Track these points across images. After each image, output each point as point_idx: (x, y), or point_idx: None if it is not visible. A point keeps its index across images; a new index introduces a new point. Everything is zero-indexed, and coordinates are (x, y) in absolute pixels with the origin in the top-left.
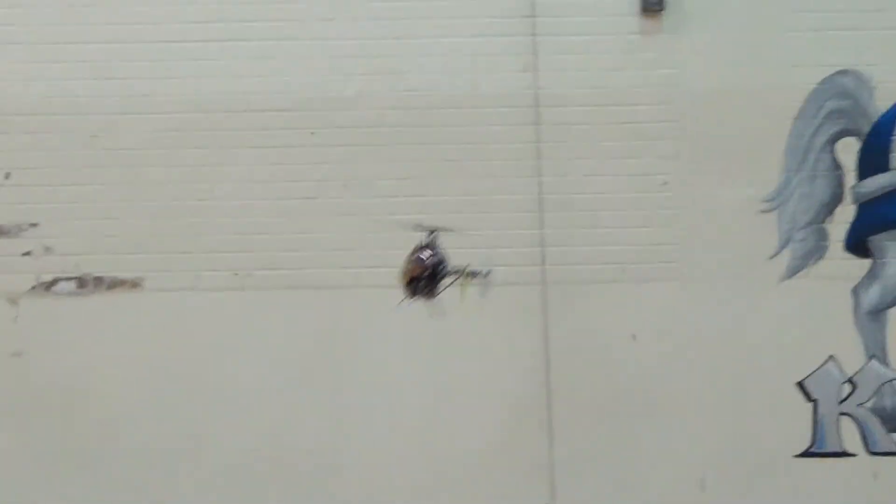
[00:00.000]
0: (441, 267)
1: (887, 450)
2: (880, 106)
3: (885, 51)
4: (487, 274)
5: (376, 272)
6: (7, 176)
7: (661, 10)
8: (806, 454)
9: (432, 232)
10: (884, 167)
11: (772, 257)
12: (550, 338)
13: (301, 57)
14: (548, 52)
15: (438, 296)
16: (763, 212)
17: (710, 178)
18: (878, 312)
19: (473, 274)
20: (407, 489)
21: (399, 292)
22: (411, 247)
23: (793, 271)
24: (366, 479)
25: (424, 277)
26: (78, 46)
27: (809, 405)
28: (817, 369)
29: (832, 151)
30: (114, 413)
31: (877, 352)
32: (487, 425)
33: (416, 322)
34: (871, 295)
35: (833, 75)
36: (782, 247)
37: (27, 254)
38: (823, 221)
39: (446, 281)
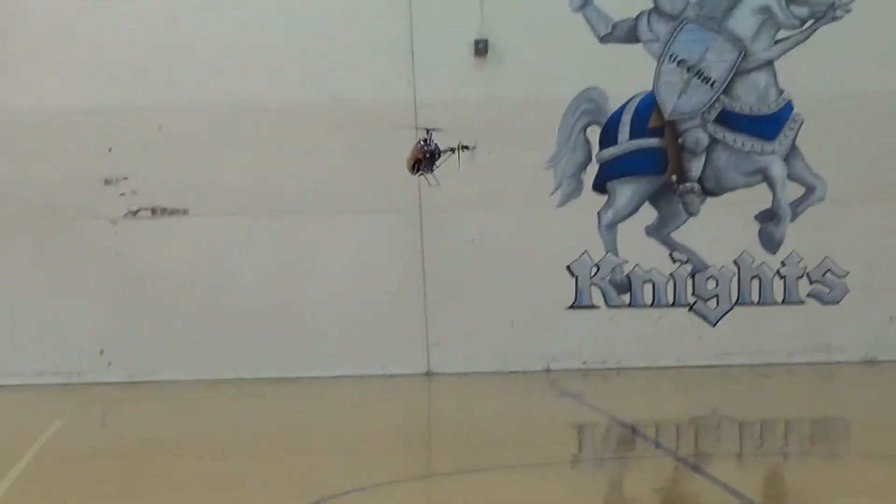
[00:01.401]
0: (437, 152)
1: (617, 304)
2: (612, 107)
3: (615, 74)
4: (474, 147)
5: (331, 205)
6: (109, 150)
7: (486, 52)
8: (571, 307)
9: (429, 130)
10: (613, 143)
11: (551, 194)
12: (425, 249)
13: None
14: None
15: (435, 171)
16: (546, 168)
17: (516, 148)
18: (611, 226)
19: (465, 147)
20: (340, 328)
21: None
22: (415, 140)
23: (563, 202)
24: (314, 316)
25: (426, 159)
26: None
27: (573, 279)
28: (577, 258)
29: (584, 133)
30: (173, 282)
31: (611, 249)
32: (386, 290)
33: (342, 238)
34: (608, 216)
35: (586, 89)
36: (557, 188)
37: (122, 194)
38: (580, 174)
39: (439, 161)
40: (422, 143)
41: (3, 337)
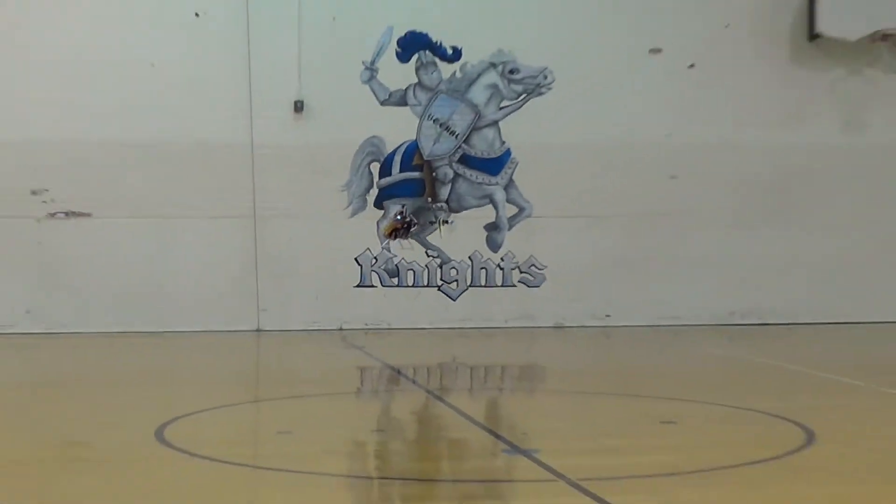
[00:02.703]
0: (412, 223)
1: (389, 285)
2: (388, 149)
3: (390, 127)
4: (452, 222)
5: (188, 210)
6: (35, 170)
7: (303, 109)
8: (358, 286)
9: (404, 205)
10: (388, 174)
11: (345, 208)
12: (258, 246)
13: None
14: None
15: (410, 238)
16: (341, 191)
17: (322, 177)
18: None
19: (445, 221)
20: (195, 300)
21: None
22: (392, 213)
23: (353, 214)
24: (177, 293)
25: (403, 229)
26: None
27: (359, 267)
28: (362, 253)
29: (369, 167)
30: (79, 266)
31: (385, 247)
32: (230, 275)
33: (198, 236)
34: (384, 222)
35: (370, 137)
36: (349, 205)
37: (45, 201)
38: (365, 195)
39: (414, 230)
40: (398, 215)
41: None
